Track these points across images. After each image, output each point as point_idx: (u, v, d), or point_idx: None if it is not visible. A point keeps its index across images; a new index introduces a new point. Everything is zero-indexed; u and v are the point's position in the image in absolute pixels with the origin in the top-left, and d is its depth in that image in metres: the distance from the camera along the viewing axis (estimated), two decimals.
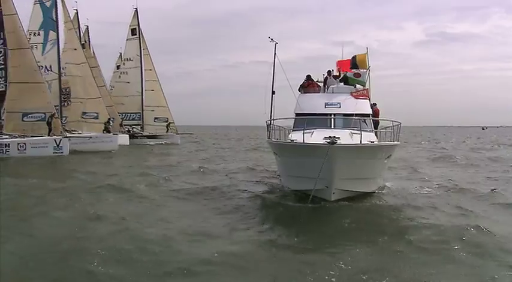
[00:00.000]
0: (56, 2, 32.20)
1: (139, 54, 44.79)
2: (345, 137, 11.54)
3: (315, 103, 14.90)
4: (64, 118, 31.94)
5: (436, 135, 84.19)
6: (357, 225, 9.77)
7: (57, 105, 30.86)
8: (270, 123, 14.54)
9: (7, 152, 24.01)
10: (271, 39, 16.14)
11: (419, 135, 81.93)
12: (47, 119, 26.40)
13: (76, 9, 41.32)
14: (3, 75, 30.30)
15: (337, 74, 17.07)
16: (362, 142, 11.05)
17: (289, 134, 13.97)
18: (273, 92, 17.25)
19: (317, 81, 16.50)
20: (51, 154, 24.63)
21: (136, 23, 45.05)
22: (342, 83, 16.26)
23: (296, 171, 12.32)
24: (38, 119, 26.47)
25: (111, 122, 32.72)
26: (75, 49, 33.14)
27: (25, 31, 28.97)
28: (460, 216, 10.62)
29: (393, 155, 13.97)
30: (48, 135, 25.75)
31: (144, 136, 43.82)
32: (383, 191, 13.89)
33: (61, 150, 25.05)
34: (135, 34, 44.87)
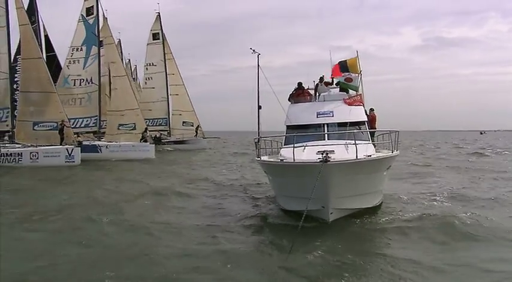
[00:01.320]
0: (98, 19, 34.07)
1: (163, 59, 45.08)
2: (340, 150, 10.73)
3: (306, 113, 14.11)
4: (103, 122, 33.32)
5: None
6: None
7: (97, 116, 32.60)
8: (258, 141, 13.81)
9: (20, 161, 24.57)
10: (253, 51, 15.58)
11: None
12: (58, 128, 26.83)
13: (106, 17, 43.13)
14: None
15: (330, 80, 16.26)
16: (358, 156, 10.17)
17: (280, 149, 13.07)
18: (259, 107, 16.68)
19: (308, 88, 15.79)
20: (63, 163, 24.93)
21: (159, 28, 45.50)
22: (337, 90, 15.51)
23: (289, 191, 11.47)
24: (50, 128, 26.98)
25: (147, 131, 33.36)
26: (114, 62, 34.35)
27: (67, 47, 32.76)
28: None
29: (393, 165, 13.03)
30: (60, 144, 26.14)
31: (172, 141, 44.00)
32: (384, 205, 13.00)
33: (73, 160, 25.35)
34: (157, 38, 45.23)
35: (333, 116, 13.63)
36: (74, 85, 33.33)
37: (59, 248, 8.87)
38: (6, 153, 24.50)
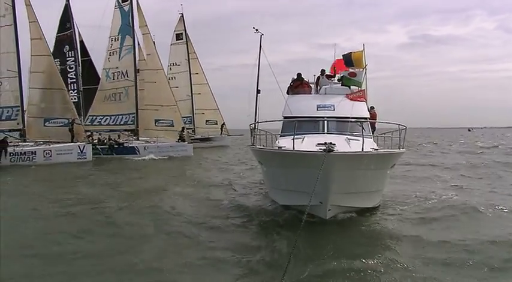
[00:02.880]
0: (132, 7, 32.40)
1: (187, 58, 45.06)
2: (341, 143, 9.87)
3: (306, 105, 13.34)
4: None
5: None
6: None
7: (134, 113, 31.71)
8: (255, 127, 13.08)
9: (34, 160, 24.77)
10: (256, 30, 14.83)
11: None
12: (68, 125, 27.02)
13: (182, 13, 45.12)
14: (75, 87, 35.18)
15: (332, 73, 15.39)
16: (364, 149, 9.40)
17: (276, 139, 12.44)
18: (258, 91, 15.90)
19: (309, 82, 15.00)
20: (76, 160, 25.15)
21: (183, 28, 45.52)
22: (339, 84, 14.63)
23: (285, 183, 10.62)
24: (61, 124, 27.19)
25: (185, 131, 32.70)
26: (149, 54, 32.93)
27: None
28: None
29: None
30: (71, 142, 26.31)
31: (197, 139, 44.01)
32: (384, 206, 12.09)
33: (85, 156, 25.61)
34: (181, 39, 45.26)
35: (334, 109, 12.84)
36: (113, 79, 32.34)
37: None
38: (20, 152, 24.72)
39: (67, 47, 36.17)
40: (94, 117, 31.90)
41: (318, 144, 9.31)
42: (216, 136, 44.74)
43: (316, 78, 15.00)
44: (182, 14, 45.51)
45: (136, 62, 33.22)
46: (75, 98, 35.55)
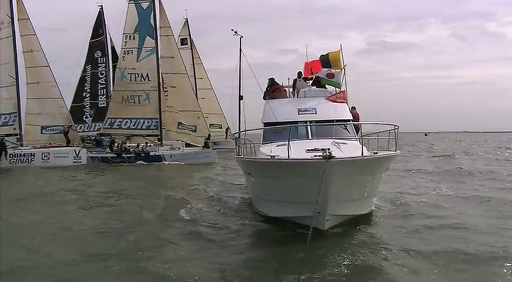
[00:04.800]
0: (154, 5, 30.29)
1: (192, 64, 45.20)
2: (332, 148, 9.08)
3: (286, 110, 13.00)
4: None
5: None
6: None
7: (157, 118, 29.94)
8: (239, 136, 12.84)
9: (32, 162, 25.81)
10: (235, 33, 14.75)
11: None
12: (65, 131, 28.18)
13: (186, 18, 45.79)
14: (105, 93, 35.88)
15: (309, 75, 15.33)
16: (364, 154, 8.91)
17: (259, 147, 11.72)
18: (241, 97, 15.67)
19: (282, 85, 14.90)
20: (72, 164, 25.85)
21: (187, 33, 46.02)
22: (314, 86, 14.56)
23: (277, 194, 9.77)
24: (57, 131, 28.40)
25: (210, 138, 31.78)
26: (172, 57, 30.95)
27: (121, 34, 30.29)
28: None
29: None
30: (67, 146, 27.36)
31: None
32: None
33: (80, 160, 26.26)
34: (186, 44, 45.59)
35: (316, 113, 12.51)
36: (130, 80, 30.10)
37: None
38: (20, 154, 25.90)
39: (99, 53, 37.06)
40: (113, 120, 30.18)
41: (308, 150, 9.03)
42: (221, 140, 44.73)
43: (293, 81, 14.69)
44: (187, 19, 46.21)
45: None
46: (103, 103, 35.90)
